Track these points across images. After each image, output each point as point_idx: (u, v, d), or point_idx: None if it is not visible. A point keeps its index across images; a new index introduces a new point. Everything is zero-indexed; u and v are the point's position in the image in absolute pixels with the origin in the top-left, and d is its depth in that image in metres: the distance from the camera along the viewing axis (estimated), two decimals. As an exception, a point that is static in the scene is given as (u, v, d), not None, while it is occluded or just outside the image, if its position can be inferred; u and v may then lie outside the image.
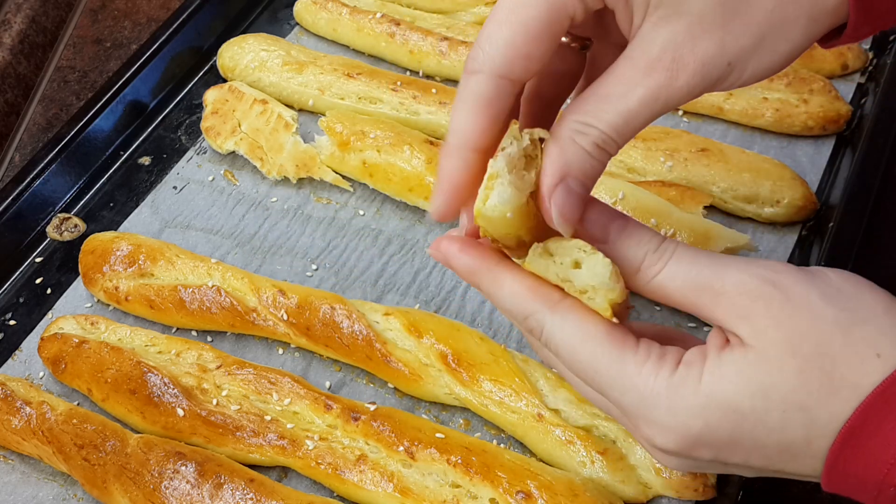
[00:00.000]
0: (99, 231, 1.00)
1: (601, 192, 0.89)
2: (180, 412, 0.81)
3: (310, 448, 0.78)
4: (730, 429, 0.48)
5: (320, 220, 1.00)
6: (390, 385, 0.86)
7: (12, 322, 0.95)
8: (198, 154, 1.08)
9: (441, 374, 0.82)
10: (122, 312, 0.94)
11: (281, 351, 0.89)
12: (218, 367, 0.84)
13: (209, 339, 0.91)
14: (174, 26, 1.14)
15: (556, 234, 0.51)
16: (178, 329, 0.92)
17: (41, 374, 0.90)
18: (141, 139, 1.11)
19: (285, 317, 0.87)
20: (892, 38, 1.07)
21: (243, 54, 1.12)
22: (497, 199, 0.48)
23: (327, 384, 0.87)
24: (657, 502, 0.77)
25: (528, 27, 0.48)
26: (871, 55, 1.07)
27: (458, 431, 0.80)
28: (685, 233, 0.86)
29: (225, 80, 1.14)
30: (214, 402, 0.82)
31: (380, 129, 0.99)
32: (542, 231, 0.52)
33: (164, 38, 1.13)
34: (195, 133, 1.10)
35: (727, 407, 0.47)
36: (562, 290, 0.52)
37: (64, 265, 0.99)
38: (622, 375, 0.50)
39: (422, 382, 0.83)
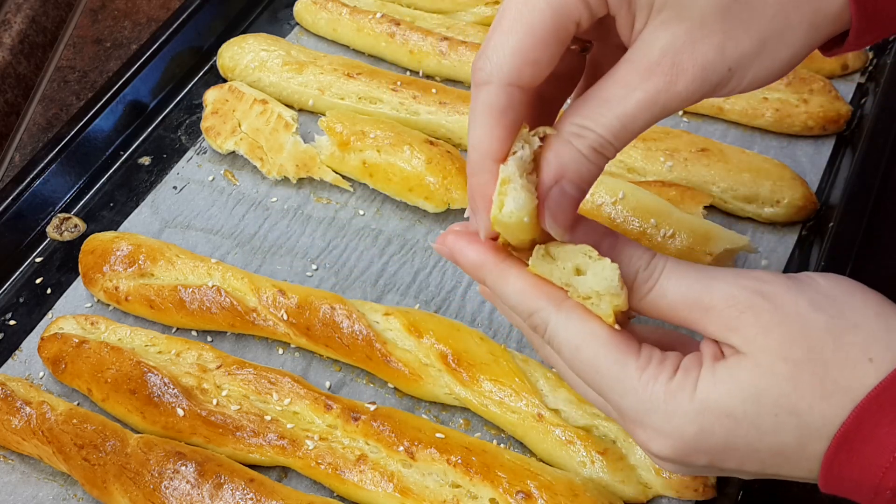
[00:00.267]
0: (99, 231, 1.00)
1: (601, 191, 0.89)
2: (180, 412, 0.81)
3: (310, 448, 0.78)
4: (724, 434, 0.48)
5: (320, 220, 1.00)
6: (390, 385, 0.86)
7: (12, 322, 0.95)
8: (198, 154, 1.08)
9: (441, 374, 0.82)
10: (122, 312, 0.94)
11: (281, 351, 0.89)
12: (218, 367, 0.84)
13: (209, 339, 0.91)
14: (174, 26, 1.14)
15: None
16: (178, 329, 0.92)
17: (41, 374, 0.90)
18: (141, 139, 1.11)
19: (285, 317, 0.87)
20: (892, 38, 1.07)
21: (243, 54, 1.12)
22: (513, 205, 0.48)
23: (327, 384, 0.87)
24: (657, 502, 0.77)
25: (535, 34, 0.48)
26: (871, 55, 1.07)
27: (458, 431, 0.80)
28: (685, 233, 0.86)
29: (225, 80, 1.14)
30: (214, 402, 0.82)
31: (380, 129, 0.99)
32: (547, 234, 0.52)
33: (164, 38, 1.13)
34: (195, 133, 1.10)
35: (720, 412, 0.48)
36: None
37: (64, 265, 0.99)
38: (623, 378, 0.50)
39: (422, 382, 0.83)
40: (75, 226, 1.02)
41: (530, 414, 0.79)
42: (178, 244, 0.97)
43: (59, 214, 1.03)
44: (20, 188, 1.00)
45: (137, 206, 1.04)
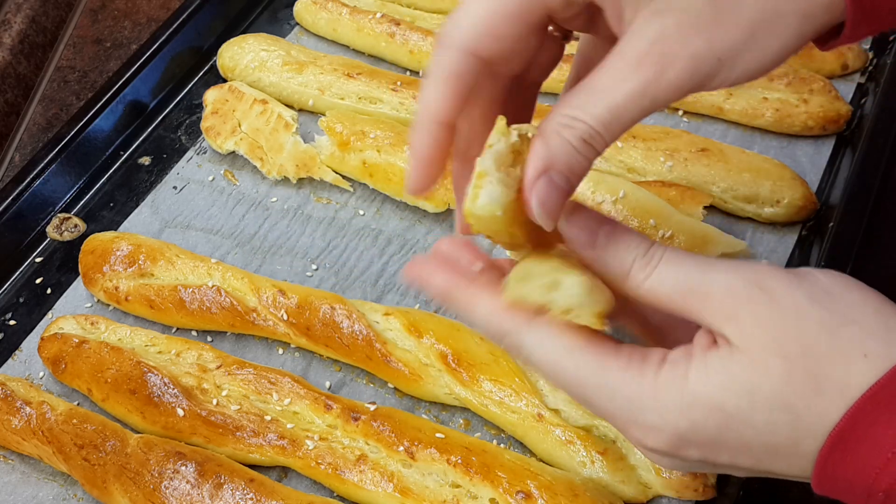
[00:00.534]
0: (99, 231, 1.00)
1: (602, 190, 0.89)
2: (180, 412, 0.81)
3: (310, 448, 0.78)
4: (716, 428, 0.48)
5: (320, 220, 1.00)
6: (390, 385, 0.86)
7: (12, 322, 0.95)
8: (198, 154, 1.08)
9: (441, 374, 0.82)
10: (122, 312, 0.94)
11: (281, 351, 0.89)
12: (218, 367, 0.84)
13: (209, 339, 0.91)
14: (174, 26, 1.14)
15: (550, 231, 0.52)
16: (178, 329, 0.92)
17: (41, 374, 0.90)
18: (141, 139, 1.11)
19: (285, 317, 0.87)
20: (892, 38, 1.07)
21: (243, 54, 1.12)
22: (486, 198, 0.48)
23: (327, 384, 0.87)
24: (657, 502, 0.77)
25: (504, 9, 0.49)
26: (871, 55, 1.07)
27: (458, 431, 0.80)
28: (683, 236, 0.86)
29: (225, 81, 1.14)
30: (214, 402, 0.82)
31: (380, 129, 0.99)
32: (534, 228, 0.52)
33: (164, 38, 1.13)
34: (195, 133, 1.10)
35: (713, 406, 0.47)
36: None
37: (64, 265, 0.99)
38: (606, 383, 0.50)
39: (422, 382, 0.83)
40: (75, 226, 1.02)
41: (530, 414, 0.79)
42: (178, 244, 0.97)
43: (59, 214, 1.03)
44: (20, 188, 1.00)
45: (137, 206, 1.04)
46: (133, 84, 1.10)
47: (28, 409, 0.82)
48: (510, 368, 0.80)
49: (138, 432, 0.82)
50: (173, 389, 0.82)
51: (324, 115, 1.03)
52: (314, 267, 0.96)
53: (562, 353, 0.51)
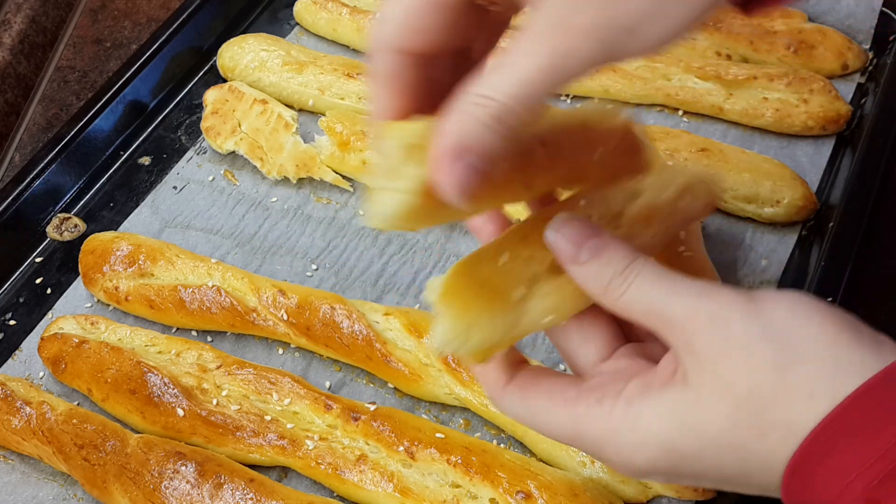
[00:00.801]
0: (99, 231, 1.00)
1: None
2: (180, 412, 0.81)
3: (310, 448, 0.78)
4: (670, 463, 0.50)
5: (320, 220, 1.00)
6: (390, 385, 0.86)
7: (12, 322, 0.95)
8: (198, 154, 1.08)
9: (441, 374, 0.82)
10: (122, 312, 0.94)
11: (281, 351, 0.89)
12: (218, 367, 0.84)
13: (209, 339, 0.91)
14: (174, 26, 1.14)
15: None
16: (178, 329, 0.92)
17: (41, 374, 0.90)
18: (141, 139, 1.11)
19: (285, 317, 0.87)
20: (892, 38, 1.07)
21: (243, 54, 1.12)
22: (384, 209, 0.47)
23: (327, 384, 0.87)
24: (657, 502, 0.77)
25: (417, 2, 0.49)
26: (871, 55, 1.07)
27: (458, 431, 0.80)
28: None
29: (225, 81, 1.14)
30: (214, 402, 0.82)
31: None
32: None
33: (164, 38, 1.13)
34: (195, 133, 1.10)
35: (663, 446, 0.49)
36: (507, 373, 0.57)
37: (64, 265, 0.99)
38: (574, 431, 0.53)
39: (422, 382, 0.83)
40: (75, 226, 1.02)
41: (530, 414, 0.79)
42: (178, 244, 0.97)
43: (59, 214, 1.03)
44: (20, 188, 1.00)
45: (137, 206, 1.04)
46: (133, 84, 1.10)
47: (28, 409, 0.82)
48: (510, 368, 0.80)
49: (138, 432, 0.82)
50: (173, 389, 0.82)
51: (324, 115, 1.03)
52: (314, 267, 0.96)
53: (529, 415, 0.55)
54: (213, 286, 0.89)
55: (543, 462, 0.78)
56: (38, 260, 1.00)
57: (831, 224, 0.88)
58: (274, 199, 1.02)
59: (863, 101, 1.03)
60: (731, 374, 0.47)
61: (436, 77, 0.53)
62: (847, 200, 0.89)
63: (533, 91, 0.46)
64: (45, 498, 0.82)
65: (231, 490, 0.75)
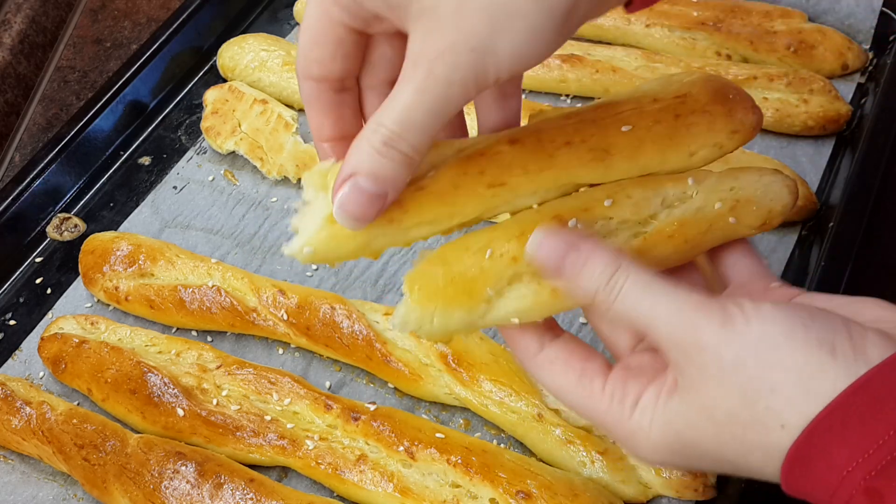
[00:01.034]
0: (99, 231, 1.00)
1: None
2: (180, 412, 0.81)
3: (310, 448, 0.78)
4: (681, 462, 0.53)
5: (320, 220, 1.00)
6: (390, 385, 0.86)
7: (12, 322, 0.95)
8: (198, 154, 1.08)
9: (441, 374, 0.82)
10: (122, 312, 0.94)
11: (281, 351, 0.89)
12: (218, 367, 0.84)
13: (209, 339, 0.91)
14: (174, 26, 1.14)
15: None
16: (178, 329, 0.92)
17: (41, 374, 0.90)
18: (141, 139, 1.11)
19: (285, 317, 0.87)
20: (892, 38, 1.07)
21: (243, 54, 1.12)
22: (298, 241, 0.54)
23: (327, 384, 0.87)
24: (657, 502, 0.77)
25: (310, 33, 0.53)
26: (871, 55, 1.07)
27: (458, 431, 0.80)
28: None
29: (225, 81, 1.14)
30: (214, 401, 0.82)
31: None
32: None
33: (164, 38, 1.13)
34: (195, 133, 1.10)
35: (671, 452, 0.52)
36: (539, 341, 0.57)
37: (64, 265, 0.99)
38: (599, 421, 0.55)
39: (422, 382, 0.83)
40: (75, 226, 1.02)
41: (530, 414, 0.79)
42: (178, 244, 0.97)
43: (59, 214, 1.03)
44: (20, 188, 1.00)
45: (137, 206, 1.04)
46: (133, 84, 1.10)
47: (28, 409, 0.82)
48: (510, 368, 0.80)
49: (138, 432, 0.82)
50: (173, 389, 0.82)
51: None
52: (314, 267, 0.96)
53: (554, 389, 0.57)
54: (213, 286, 0.89)
55: (543, 462, 0.78)
56: (38, 260, 1.00)
57: (831, 224, 0.88)
58: (274, 199, 1.02)
59: (863, 101, 1.03)
60: (708, 399, 0.49)
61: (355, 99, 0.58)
62: (847, 200, 0.89)
63: (413, 116, 0.49)
64: (45, 498, 0.82)
65: (231, 490, 0.75)
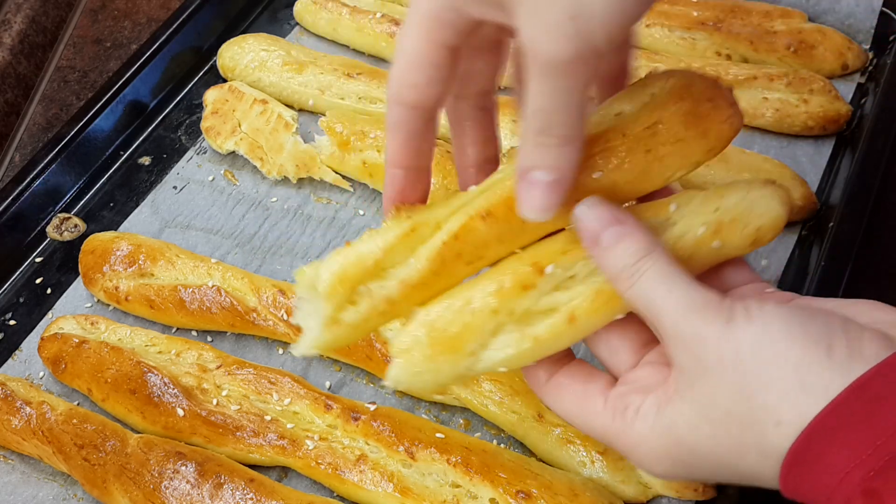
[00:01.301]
0: (99, 231, 1.00)
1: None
2: (180, 412, 0.81)
3: (310, 448, 0.78)
4: (682, 472, 0.54)
5: (320, 220, 1.00)
6: (390, 385, 0.86)
7: (12, 322, 0.95)
8: (198, 154, 1.08)
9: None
10: (122, 312, 0.94)
11: (281, 351, 0.89)
12: (218, 367, 0.84)
13: (209, 339, 0.91)
14: (174, 26, 1.14)
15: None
16: (178, 329, 0.92)
17: (41, 373, 0.90)
18: (141, 139, 1.11)
19: (285, 316, 0.87)
20: (892, 38, 1.07)
21: (243, 54, 1.12)
22: (306, 343, 0.57)
23: (327, 384, 0.87)
24: (657, 502, 0.76)
25: (408, 58, 0.53)
26: (871, 55, 1.07)
27: (458, 431, 0.80)
28: None
29: (225, 81, 1.13)
30: (214, 401, 0.82)
31: (380, 130, 0.99)
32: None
33: (164, 38, 1.13)
34: (195, 133, 1.10)
35: (672, 458, 0.53)
36: (548, 371, 0.59)
37: (64, 265, 0.99)
38: (602, 434, 0.56)
39: (422, 382, 0.82)
40: (75, 226, 1.02)
41: (530, 414, 0.79)
42: (178, 244, 0.97)
43: (59, 214, 1.03)
44: (20, 188, 1.00)
45: (137, 205, 1.04)
46: (133, 84, 1.10)
47: (28, 409, 0.82)
48: (510, 368, 0.80)
49: (138, 432, 0.82)
50: (173, 389, 0.82)
51: (324, 115, 1.03)
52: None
53: (563, 414, 0.59)
54: (213, 286, 0.89)
55: (543, 462, 0.78)
56: (38, 260, 1.00)
57: (831, 224, 0.88)
58: (274, 199, 1.02)
59: (863, 101, 1.03)
60: (706, 397, 0.50)
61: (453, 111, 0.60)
62: (847, 200, 0.89)
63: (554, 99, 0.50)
64: (45, 498, 0.82)
65: (231, 490, 0.75)
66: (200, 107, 1.11)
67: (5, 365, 0.91)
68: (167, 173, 1.07)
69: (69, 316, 0.91)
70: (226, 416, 0.81)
